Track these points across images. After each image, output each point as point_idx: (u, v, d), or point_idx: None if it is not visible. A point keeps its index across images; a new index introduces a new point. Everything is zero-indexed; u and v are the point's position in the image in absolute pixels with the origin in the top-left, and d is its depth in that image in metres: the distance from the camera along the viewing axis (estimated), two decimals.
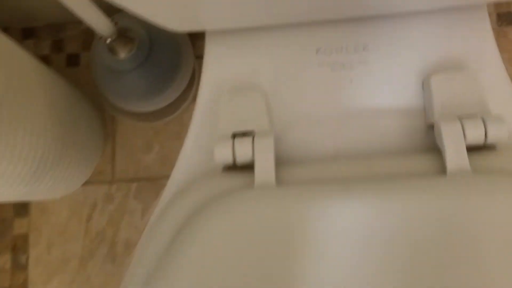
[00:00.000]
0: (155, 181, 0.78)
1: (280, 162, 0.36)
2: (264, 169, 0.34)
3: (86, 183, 0.79)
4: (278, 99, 0.38)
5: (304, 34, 0.38)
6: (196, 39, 0.79)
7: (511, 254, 0.30)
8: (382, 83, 0.37)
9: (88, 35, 0.83)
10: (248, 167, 0.35)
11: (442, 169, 0.33)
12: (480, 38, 0.36)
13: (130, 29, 0.68)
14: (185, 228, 0.34)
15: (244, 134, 0.36)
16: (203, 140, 0.38)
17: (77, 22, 0.62)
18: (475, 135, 0.33)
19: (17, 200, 0.65)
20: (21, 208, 0.79)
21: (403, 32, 0.37)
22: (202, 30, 0.38)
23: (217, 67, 0.39)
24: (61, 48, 0.84)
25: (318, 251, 0.31)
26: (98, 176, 0.79)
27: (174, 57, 0.74)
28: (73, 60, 0.83)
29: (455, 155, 0.33)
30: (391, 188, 0.33)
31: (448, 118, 0.33)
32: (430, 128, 0.36)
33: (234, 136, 0.36)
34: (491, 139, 0.33)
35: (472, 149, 0.34)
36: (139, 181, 0.78)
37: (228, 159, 0.35)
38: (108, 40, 0.65)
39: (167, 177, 0.72)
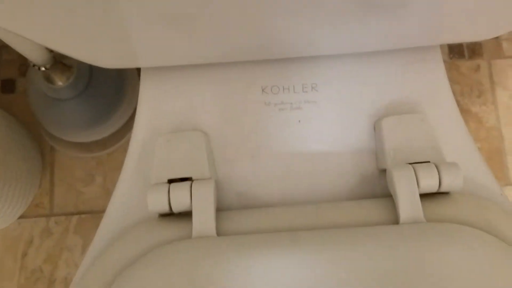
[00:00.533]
0: (97, 214, 0.73)
1: (222, 208, 0.33)
2: (203, 218, 0.31)
3: (22, 216, 0.73)
4: (220, 140, 0.35)
5: (248, 71, 0.35)
6: None
7: None
8: (332, 125, 0.35)
9: (26, 59, 0.77)
10: (187, 214, 0.32)
11: (395, 217, 0.31)
12: (433, 79, 0.35)
13: (63, 55, 0.64)
14: (118, 284, 0.30)
15: (181, 179, 0.33)
16: (137, 185, 0.35)
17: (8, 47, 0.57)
18: (429, 183, 0.31)
19: None
20: None
21: (354, 72, 0.35)
22: (136, 67, 0.34)
23: (153, 106, 0.36)
24: None
25: None
26: (35, 209, 0.73)
27: (117, 83, 0.70)
28: (8, 86, 0.78)
29: (408, 203, 0.31)
30: (341, 240, 0.30)
31: (401, 164, 0.31)
32: (383, 172, 0.34)
33: (170, 181, 0.32)
34: (445, 187, 0.31)
35: (425, 195, 0.32)
36: (79, 215, 0.73)
37: (164, 208, 0.31)
38: (43, 68, 0.61)
39: None
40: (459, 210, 0.32)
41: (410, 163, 0.31)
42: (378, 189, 0.35)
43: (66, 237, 0.72)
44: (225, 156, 0.35)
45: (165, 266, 0.29)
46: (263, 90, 0.35)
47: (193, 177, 0.33)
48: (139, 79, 0.73)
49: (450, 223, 0.31)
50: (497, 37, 0.78)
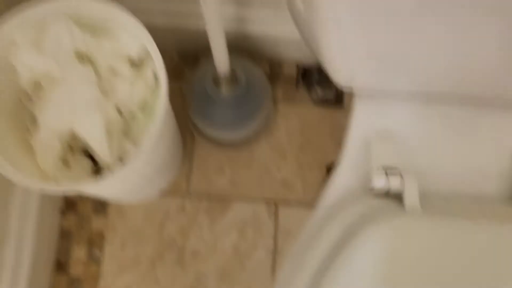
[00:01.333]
0: (223, 201, 0.89)
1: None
2: (412, 198, 0.47)
3: (162, 194, 0.89)
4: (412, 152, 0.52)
5: (436, 105, 0.53)
6: (273, 83, 0.93)
7: None
8: (489, 149, 0.52)
9: (176, 67, 0.95)
10: (393, 196, 0.48)
11: None
12: None
13: (236, 71, 0.81)
14: (348, 245, 0.45)
15: (391, 168, 0.49)
16: (353, 169, 0.51)
17: (167, 53, 0.75)
18: None
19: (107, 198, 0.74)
20: (100, 207, 0.88)
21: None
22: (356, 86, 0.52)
23: (365, 114, 0.53)
24: None
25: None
26: (174, 189, 0.90)
27: (259, 100, 0.87)
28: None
29: None
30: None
31: None
32: None
33: (385, 170, 0.49)
34: None
35: None
36: (209, 199, 0.89)
37: (383, 188, 0.48)
38: (220, 77, 0.78)
39: (235, 199, 0.84)
40: None
41: None
42: None
43: (197, 216, 0.89)
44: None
45: (390, 236, 0.45)
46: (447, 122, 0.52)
47: (400, 167, 0.49)
48: (271, 102, 0.89)
49: None
50: None
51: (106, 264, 0.85)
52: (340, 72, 0.48)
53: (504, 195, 0.51)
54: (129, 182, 0.72)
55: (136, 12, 0.71)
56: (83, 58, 0.65)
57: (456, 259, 0.44)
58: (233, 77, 0.80)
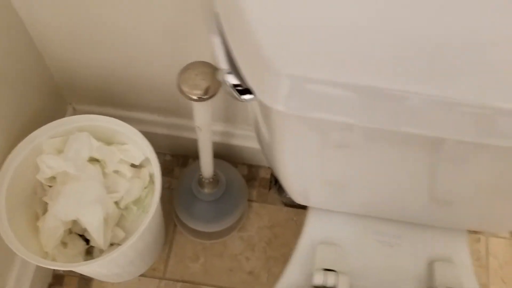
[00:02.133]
0: (196, 285, 1.01)
1: None
2: None
3: (142, 275, 1.00)
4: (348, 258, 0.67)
5: (370, 222, 0.68)
6: (249, 184, 1.08)
7: None
8: (409, 258, 0.66)
9: (167, 165, 1.11)
10: None
11: None
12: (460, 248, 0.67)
13: (220, 175, 0.97)
14: None
15: (330, 269, 0.63)
16: (301, 268, 0.65)
17: (162, 153, 0.92)
18: None
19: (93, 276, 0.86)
20: (84, 284, 0.99)
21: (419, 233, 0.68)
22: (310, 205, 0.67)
23: (315, 226, 0.68)
24: None
25: None
26: (152, 271, 1.01)
27: (236, 199, 1.02)
28: None
29: None
30: None
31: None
32: None
33: (325, 270, 0.63)
34: None
35: None
36: (183, 283, 1.01)
37: (322, 285, 0.62)
38: (204, 179, 0.93)
39: (205, 284, 0.96)
40: None
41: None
42: None
43: None
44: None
45: None
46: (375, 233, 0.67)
47: (337, 270, 0.63)
48: (246, 201, 1.04)
49: None
50: None
51: None
52: (294, 193, 0.63)
53: None
54: (115, 264, 0.84)
55: (140, 122, 0.88)
56: (95, 161, 0.80)
57: None
58: (215, 180, 0.95)
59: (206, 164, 0.85)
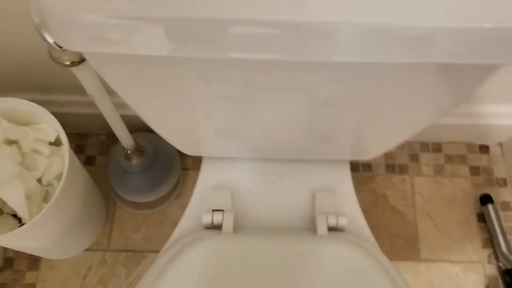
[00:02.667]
0: (139, 253, 1.07)
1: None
2: (227, 226, 0.66)
3: (87, 249, 1.06)
4: (238, 198, 0.72)
5: (258, 164, 0.73)
6: (183, 157, 1.13)
7: None
8: (292, 192, 0.72)
9: (103, 144, 1.16)
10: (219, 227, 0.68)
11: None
12: (343, 176, 0.73)
13: (143, 145, 1.02)
14: (176, 257, 0.64)
15: (219, 209, 0.69)
16: (195, 212, 0.71)
17: (97, 134, 0.97)
18: (331, 222, 0.67)
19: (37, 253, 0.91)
20: (33, 263, 1.05)
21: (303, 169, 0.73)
22: (202, 155, 0.72)
23: (207, 174, 0.73)
24: (83, 151, 1.16)
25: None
26: (96, 245, 1.07)
27: (168, 167, 1.08)
28: (90, 161, 1.16)
29: (321, 229, 0.67)
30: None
31: (320, 213, 0.68)
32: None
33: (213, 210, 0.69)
34: (339, 226, 0.67)
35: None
36: (127, 252, 1.07)
37: (210, 223, 0.67)
38: (128, 151, 0.99)
39: (148, 252, 1.02)
40: (344, 235, 0.68)
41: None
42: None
43: (115, 267, 1.06)
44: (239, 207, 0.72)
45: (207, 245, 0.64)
46: (261, 174, 0.73)
47: (224, 210, 0.69)
48: (180, 168, 1.10)
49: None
50: (418, 161, 1.17)
51: None
52: (180, 146, 0.69)
53: (306, 226, 0.71)
54: (47, 237, 0.90)
55: (68, 104, 0.93)
56: (11, 142, 0.86)
57: (255, 264, 0.63)
58: (139, 150, 1.01)
59: (121, 135, 0.90)
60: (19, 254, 1.05)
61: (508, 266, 1.05)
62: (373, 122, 0.58)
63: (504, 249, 1.07)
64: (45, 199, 0.89)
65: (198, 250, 0.63)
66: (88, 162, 1.16)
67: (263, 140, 0.66)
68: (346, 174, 0.73)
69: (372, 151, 0.67)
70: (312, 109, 0.55)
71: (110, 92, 0.65)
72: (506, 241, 1.08)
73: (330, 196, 0.71)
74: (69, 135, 0.84)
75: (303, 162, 0.74)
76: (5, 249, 1.06)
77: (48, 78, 0.96)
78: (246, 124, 0.61)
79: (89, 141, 1.17)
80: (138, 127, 0.97)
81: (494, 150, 1.19)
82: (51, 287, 1.03)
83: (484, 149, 1.19)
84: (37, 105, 0.85)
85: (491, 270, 1.09)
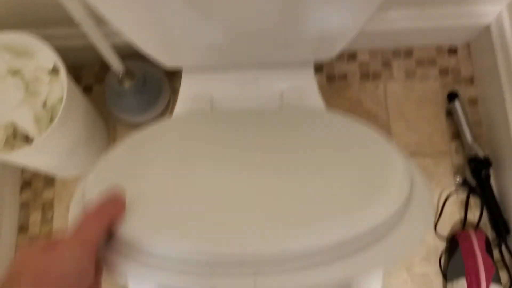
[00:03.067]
0: None
1: None
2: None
3: None
4: (216, 101, 0.83)
5: (232, 73, 0.83)
6: (172, 78, 1.23)
7: None
8: (263, 93, 0.82)
9: (98, 75, 1.26)
10: None
11: None
12: (306, 76, 0.82)
13: (132, 69, 1.12)
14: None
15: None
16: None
17: (91, 64, 1.06)
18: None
19: (50, 172, 1.04)
20: (49, 182, 1.18)
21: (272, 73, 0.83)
22: (180, 66, 0.82)
23: (188, 83, 0.84)
24: (80, 82, 1.26)
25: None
26: None
27: (158, 89, 1.18)
28: (88, 89, 1.26)
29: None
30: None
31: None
32: None
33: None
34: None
35: None
36: None
37: None
38: (119, 75, 1.09)
39: None
40: None
41: None
42: None
43: None
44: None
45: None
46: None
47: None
48: (169, 89, 1.20)
49: None
50: (390, 68, 1.26)
51: (56, 223, 1.15)
52: (160, 56, 0.78)
53: None
54: (58, 152, 1.02)
55: (62, 37, 1.02)
56: (14, 73, 0.96)
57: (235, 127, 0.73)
58: (129, 73, 1.10)
59: (110, 58, 1.00)
60: (35, 176, 1.18)
61: (473, 155, 1.17)
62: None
63: (470, 140, 1.18)
64: (51, 121, 1.00)
65: (177, 119, 0.75)
66: (86, 91, 1.26)
67: (229, 37, 0.70)
68: (309, 73, 0.83)
69: (333, 44, 0.74)
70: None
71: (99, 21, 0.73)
72: (471, 133, 1.19)
73: (298, 92, 0.81)
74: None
75: (272, 67, 0.83)
76: (23, 172, 1.19)
77: (40, 12, 1.05)
78: (212, 20, 0.64)
79: (85, 72, 1.27)
80: (127, 54, 1.06)
81: (462, 51, 1.27)
82: (67, 201, 1.17)
83: (453, 51, 1.27)
84: (32, 38, 0.94)
85: (459, 159, 1.20)
